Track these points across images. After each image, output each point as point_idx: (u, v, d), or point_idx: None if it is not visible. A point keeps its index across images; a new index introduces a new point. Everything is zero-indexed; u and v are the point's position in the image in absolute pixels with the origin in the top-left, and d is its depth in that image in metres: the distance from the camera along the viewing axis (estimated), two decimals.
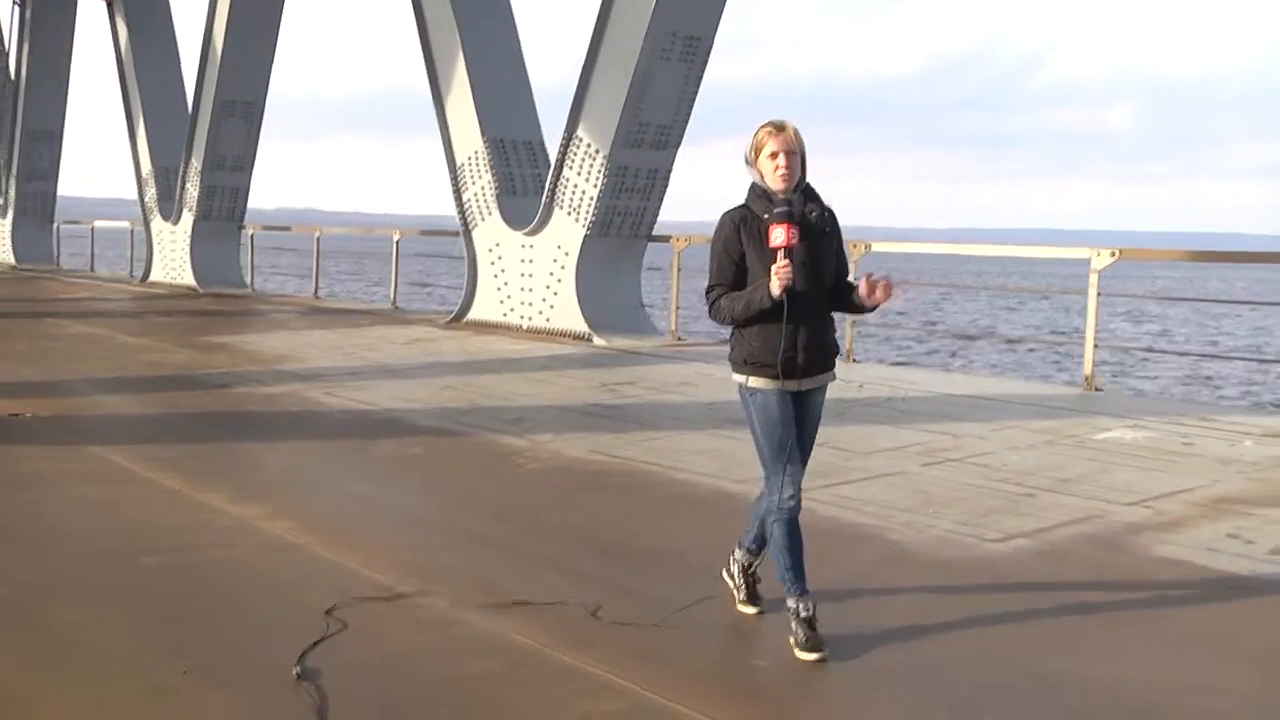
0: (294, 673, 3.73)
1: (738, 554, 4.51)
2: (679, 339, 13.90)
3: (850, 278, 4.35)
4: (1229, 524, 5.91)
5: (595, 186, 13.63)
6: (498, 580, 4.85)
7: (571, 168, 13.90)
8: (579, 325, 13.91)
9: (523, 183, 15.27)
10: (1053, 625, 4.45)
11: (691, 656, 4.08)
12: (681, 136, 13.79)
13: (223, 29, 20.50)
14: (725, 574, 4.57)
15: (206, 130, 21.31)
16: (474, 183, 15.45)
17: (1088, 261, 10.43)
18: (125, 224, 27.27)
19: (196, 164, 21.81)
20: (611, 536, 5.65)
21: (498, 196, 15.10)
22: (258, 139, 22.01)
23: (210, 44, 20.93)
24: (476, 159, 15.36)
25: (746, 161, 4.16)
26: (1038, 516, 6.02)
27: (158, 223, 23.82)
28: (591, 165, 13.65)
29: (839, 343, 4.40)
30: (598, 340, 13.57)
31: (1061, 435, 8.26)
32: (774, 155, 4.07)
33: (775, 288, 3.98)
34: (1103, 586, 4.93)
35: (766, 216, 4.05)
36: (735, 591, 4.51)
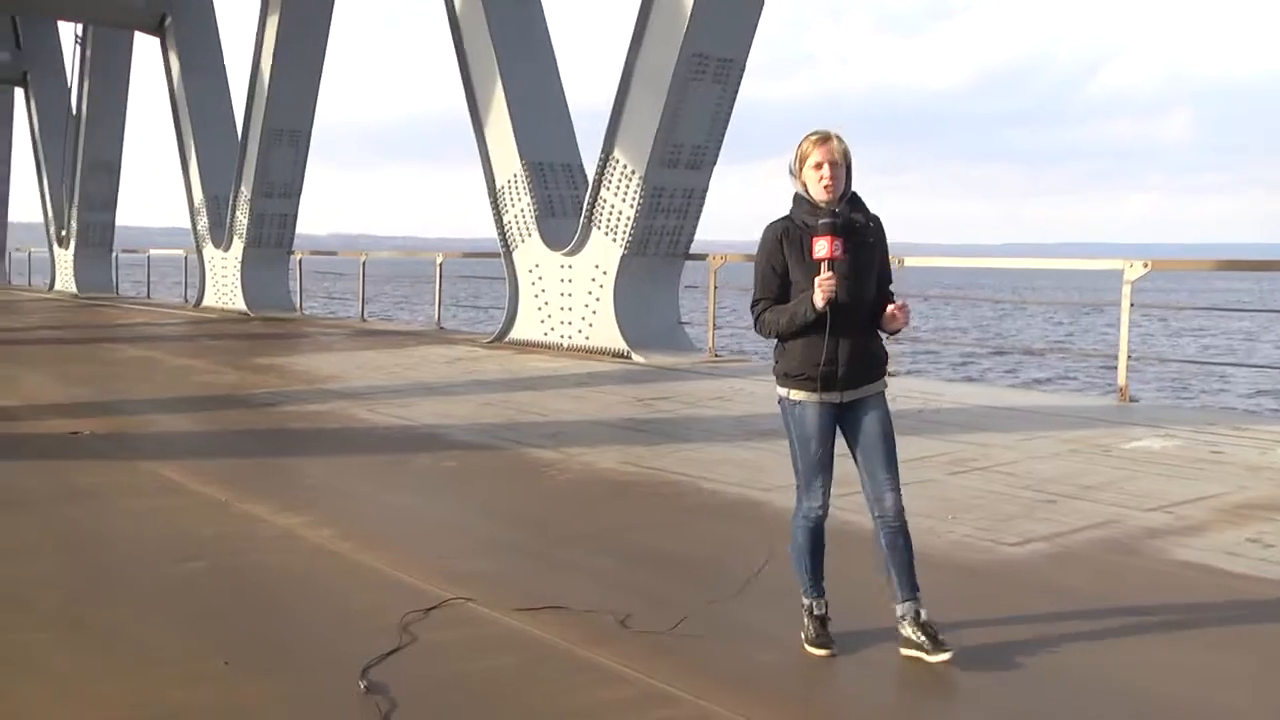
0: (360, 686, 3.79)
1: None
2: (716, 355, 14.07)
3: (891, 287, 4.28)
4: (1252, 529, 5.98)
5: (632, 207, 13.87)
6: (526, 584, 5.05)
7: (608, 189, 14.15)
8: (618, 343, 14.13)
9: (561, 204, 15.56)
10: (1061, 624, 4.55)
11: (712, 655, 4.24)
12: (717, 156, 14.01)
13: (270, 60, 21.08)
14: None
15: (255, 158, 21.89)
16: (514, 205, 15.77)
17: (1120, 273, 10.48)
18: (180, 252, 27.98)
19: (246, 192, 22.39)
20: (638, 542, 5.83)
21: (537, 218, 15.40)
22: (305, 166, 22.56)
23: (258, 74, 21.52)
24: (516, 182, 15.68)
25: (791, 172, 4.15)
26: (1056, 522, 6.12)
27: (209, 250, 24.44)
28: (628, 186, 13.90)
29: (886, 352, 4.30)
30: (636, 358, 13.78)
31: (1089, 445, 8.32)
32: (818, 166, 4.04)
33: (819, 300, 3.96)
34: (1113, 588, 5.03)
35: (809, 227, 4.03)
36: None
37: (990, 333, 46.67)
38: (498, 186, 16.04)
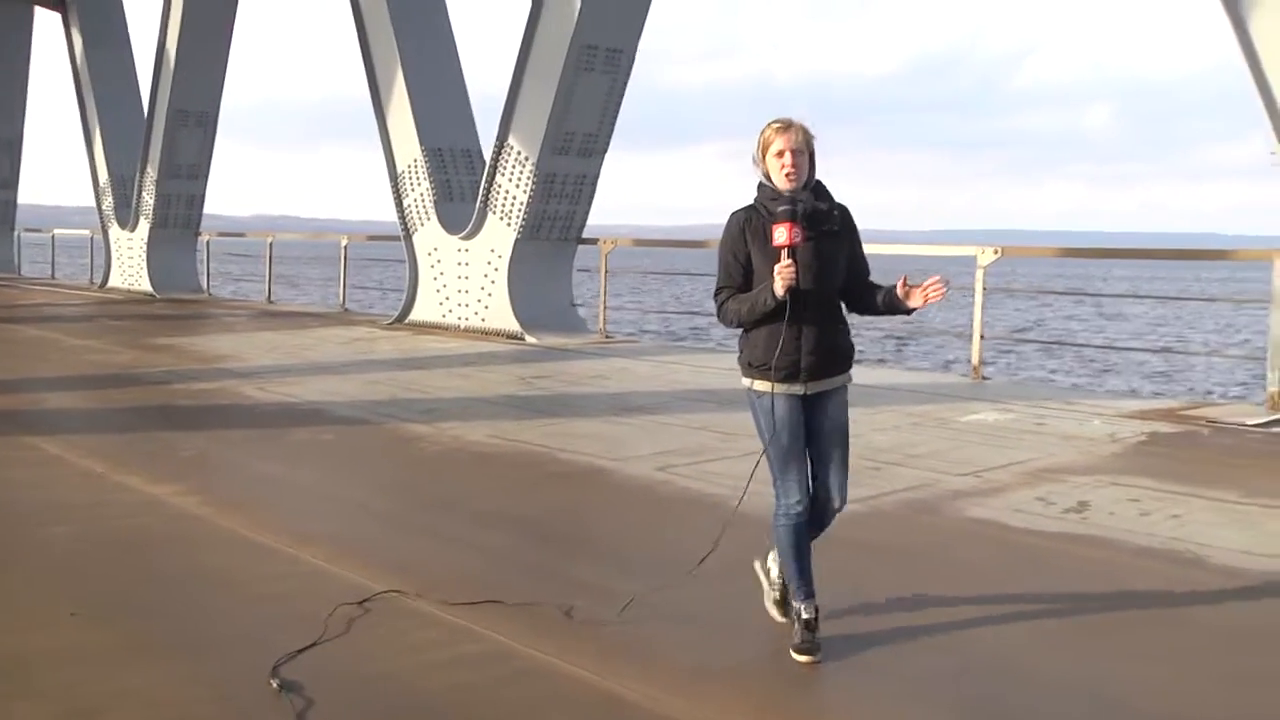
0: (273, 684, 3.72)
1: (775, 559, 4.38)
2: (607, 336, 14.56)
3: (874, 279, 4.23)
4: (1043, 489, 6.62)
5: (525, 192, 14.28)
6: (370, 543, 5.49)
7: (503, 174, 14.55)
8: (512, 325, 14.55)
9: (460, 189, 15.91)
10: (852, 568, 5.08)
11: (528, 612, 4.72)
12: (608, 144, 14.46)
13: (175, 40, 21.05)
14: (759, 566, 4.49)
15: (161, 139, 21.84)
16: (413, 190, 16.09)
17: (974, 259, 11.15)
18: (85, 233, 27.72)
19: (152, 172, 22.34)
20: (486, 506, 6.30)
21: (436, 203, 15.75)
22: (213, 147, 22.55)
23: (164, 54, 21.48)
24: (416, 167, 15.99)
25: (754, 161, 4.09)
26: (875, 486, 6.70)
27: (115, 230, 24.31)
28: (522, 172, 14.30)
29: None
30: (529, 338, 14.21)
31: (931, 418, 8.96)
32: (780, 154, 3.98)
33: (778, 288, 3.91)
34: (906, 541, 5.62)
35: (771, 215, 3.97)
36: (768, 589, 4.42)
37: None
38: (398, 171, 16.34)
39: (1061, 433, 8.33)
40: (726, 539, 4.57)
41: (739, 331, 4.21)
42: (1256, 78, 8.74)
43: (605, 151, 14.48)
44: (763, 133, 4.05)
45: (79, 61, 24.67)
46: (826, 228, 4.04)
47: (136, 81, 24.55)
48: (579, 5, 13.30)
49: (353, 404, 9.69)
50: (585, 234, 15.00)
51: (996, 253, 11.01)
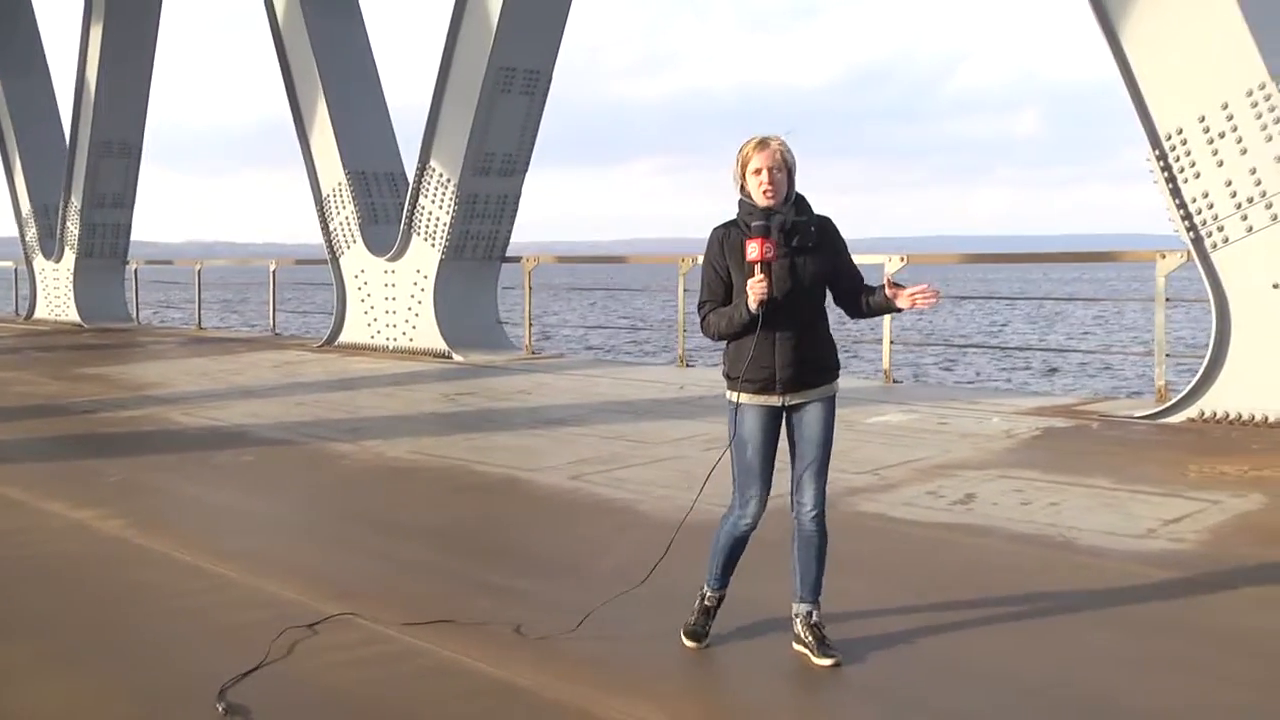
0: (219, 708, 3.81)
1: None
2: (533, 353, 14.85)
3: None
4: (934, 484, 7.01)
5: (448, 213, 14.53)
6: (289, 557, 5.73)
7: (426, 196, 14.79)
8: (439, 344, 14.77)
9: (385, 211, 16.12)
10: (744, 561, 5.40)
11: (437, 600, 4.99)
12: (528, 163, 14.77)
13: (95, 71, 20.99)
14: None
15: (84, 169, 21.75)
16: (339, 213, 16.26)
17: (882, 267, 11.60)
18: (8, 263, 27.42)
19: (76, 202, 22.22)
20: (404, 519, 6.56)
21: (361, 226, 15.94)
22: (137, 176, 22.48)
23: (84, 84, 21.40)
24: (340, 191, 16.17)
25: (734, 178, 4.17)
26: (776, 486, 7.03)
27: (40, 261, 24.11)
28: (444, 193, 14.55)
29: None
30: (456, 357, 14.44)
31: (839, 420, 9.31)
32: (758, 172, 4.07)
33: (751, 302, 4.01)
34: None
35: (749, 230, 4.07)
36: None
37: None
38: (324, 195, 16.50)
39: (961, 431, 8.76)
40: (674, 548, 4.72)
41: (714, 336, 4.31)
42: (1132, 93, 9.24)
43: (525, 171, 14.78)
44: (741, 150, 4.14)
45: None
46: (802, 242, 4.11)
47: (57, 111, 24.37)
48: (495, 28, 13.59)
49: (277, 425, 9.87)
50: (525, 251, 15.32)
51: (904, 260, 11.46)
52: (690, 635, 4.35)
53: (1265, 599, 4.88)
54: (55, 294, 23.80)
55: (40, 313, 24.22)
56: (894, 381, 11.72)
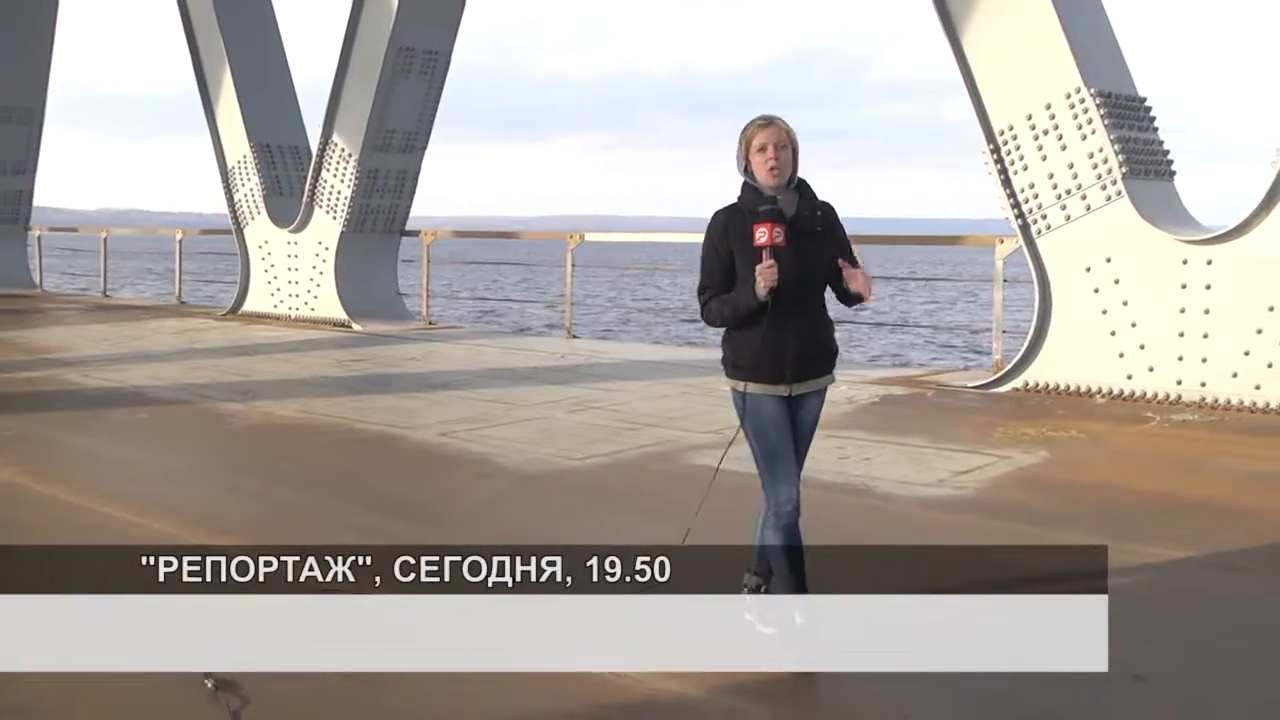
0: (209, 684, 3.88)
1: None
2: (430, 323, 15.46)
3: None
4: None
5: (349, 187, 15.05)
6: (169, 499, 6.36)
7: (328, 170, 15.28)
8: (339, 313, 15.32)
9: (288, 184, 16.56)
10: (573, 501, 6.18)
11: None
12: (427, 141, 15.36)
13: None
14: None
15: None
16: (244, 185, 16.67)
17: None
18: None
19: None
20: (283, 469, 7.21)
21: (265, 197, 16.37)
22: (39, 142, 22.49)
23: None
24: (245, 163, 16.58)
25: (737, 161, 4.05)
26: (625, 443, 7.83)
27: None
28: (345, 168, 15.06)
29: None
30: (356, 326, 15.00)
31: (700, 389, 10.14)
32: (763, 149, 3.95)
33: (760, 289, 3.88)
34: (633, 483, 6.74)
35: (754, 214, 3.93)
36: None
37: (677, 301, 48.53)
38: (229, 166, 16.89)
39: None
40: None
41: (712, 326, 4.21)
42: (971, 91, 10.14)
43: (425, 148, 15.35)
44: (745, 131, 4.03)
45: None
46: (809, 227, 4.01)
47: None
48: (395, 8, 14.13)
49: (173, 387, 10.40)
50: (449, 225, 15.85)
51: None
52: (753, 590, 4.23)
53: (997, 531, 5.75)
54: None
55: None
56: None
